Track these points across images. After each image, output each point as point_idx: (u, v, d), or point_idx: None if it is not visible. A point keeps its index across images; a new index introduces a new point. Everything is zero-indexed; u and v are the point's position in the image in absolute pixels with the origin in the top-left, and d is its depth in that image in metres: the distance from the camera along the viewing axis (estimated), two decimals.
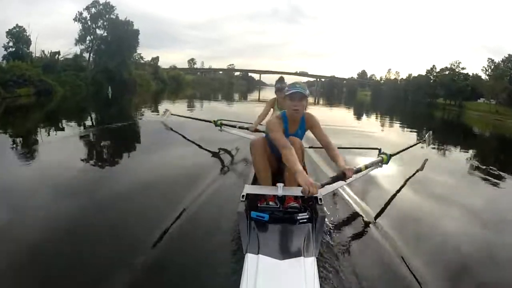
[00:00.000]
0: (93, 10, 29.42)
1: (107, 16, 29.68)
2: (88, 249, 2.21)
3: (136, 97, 22.29)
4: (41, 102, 15.00)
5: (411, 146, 4.50)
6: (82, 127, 7.91)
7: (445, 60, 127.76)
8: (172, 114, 7.73)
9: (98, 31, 30.10)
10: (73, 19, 29.48)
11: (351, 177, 2.18)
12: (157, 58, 49.72)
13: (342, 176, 2.14)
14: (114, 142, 6.01)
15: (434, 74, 47.66)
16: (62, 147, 5.45)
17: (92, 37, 29.74)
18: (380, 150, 3.30)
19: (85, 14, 29.59)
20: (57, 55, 25.79)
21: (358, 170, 2.45)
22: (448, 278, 2.11)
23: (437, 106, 40.30)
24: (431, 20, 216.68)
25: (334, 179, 2.16)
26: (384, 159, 3.12)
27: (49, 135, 6.57)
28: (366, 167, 2.70)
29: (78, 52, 29.29)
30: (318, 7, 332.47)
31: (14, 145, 5.47)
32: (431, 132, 5.75)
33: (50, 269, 1.99)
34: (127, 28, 30.34)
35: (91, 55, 30.15)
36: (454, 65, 44.87)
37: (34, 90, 18.12)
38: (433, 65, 48.51)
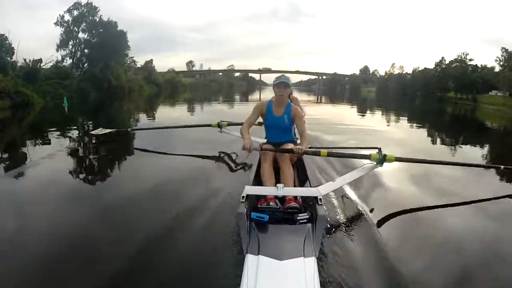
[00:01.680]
0: (75, 12, 27.40)
1: (90, 18, 27.66)
2: (89, 250, 2.32)
3: (125, 104, 20.66)
4: (19, 116, 13.38)
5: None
6: None
7: (448, 53, 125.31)
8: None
9: (81, 35, 28.00)
10: (54, 23, 27.40)
11: (299, 153, 2.67)
12: (151, 61, 47.87)
13: (291, 150, 2.73)
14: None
15: (443, 66, 45.33)
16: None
17: (74, 41, 27.66)
18: (380, 149, 3.11)
19: (67, 17, 27.54)
20: (39, 63, 23.89)
21: (315, 152, 2.98)
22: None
23: (449, 101, 38.07)
24: (431, 13, 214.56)
25: (284, 150, 2.78)
26: (373, 156, 3.06)
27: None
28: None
29: (60, 59, 27.21)
30: (317, 5, 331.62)
31: None
32: None
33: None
34: (111, 30, 28.22)
35: (74, 61, 28.08)
36: (462, 57, 42.76)
37: (10, 103, 16.24)
38: (442, 57, 46.17)
